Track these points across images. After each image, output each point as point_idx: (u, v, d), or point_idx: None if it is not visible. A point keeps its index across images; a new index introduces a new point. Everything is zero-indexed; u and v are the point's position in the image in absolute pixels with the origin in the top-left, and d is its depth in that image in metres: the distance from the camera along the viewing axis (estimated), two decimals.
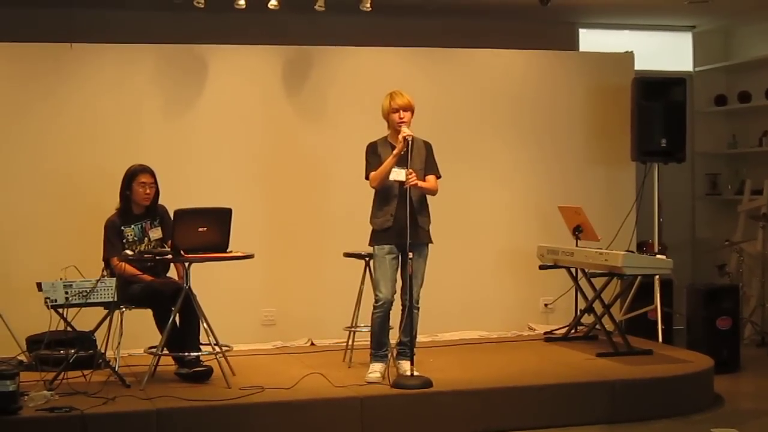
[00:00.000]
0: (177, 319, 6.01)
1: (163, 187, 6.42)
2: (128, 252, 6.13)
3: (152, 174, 6.35)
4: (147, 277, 6.22)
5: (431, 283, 6.17)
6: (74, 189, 7.20)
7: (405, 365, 5.95)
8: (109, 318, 5.99)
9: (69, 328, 5.79)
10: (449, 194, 6.86)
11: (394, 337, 6.20)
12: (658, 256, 7.48)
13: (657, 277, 7.46)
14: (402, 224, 5.84)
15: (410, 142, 5.87)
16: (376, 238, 6.05)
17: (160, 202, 6.43)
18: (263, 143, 7.67)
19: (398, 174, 5.91)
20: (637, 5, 8.52)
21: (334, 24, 8.02)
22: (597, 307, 7.32)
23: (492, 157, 8.16)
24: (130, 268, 6.18)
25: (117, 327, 6.01)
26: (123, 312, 6.07)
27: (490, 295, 8.05)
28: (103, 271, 5.99)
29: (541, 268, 7.61)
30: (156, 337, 6.04)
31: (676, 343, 7.69)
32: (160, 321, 6.05)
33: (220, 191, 7.20)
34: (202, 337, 6.10)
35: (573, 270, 7.54)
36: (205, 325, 6.04)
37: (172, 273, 6.51)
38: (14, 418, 5.11)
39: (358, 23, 7.89)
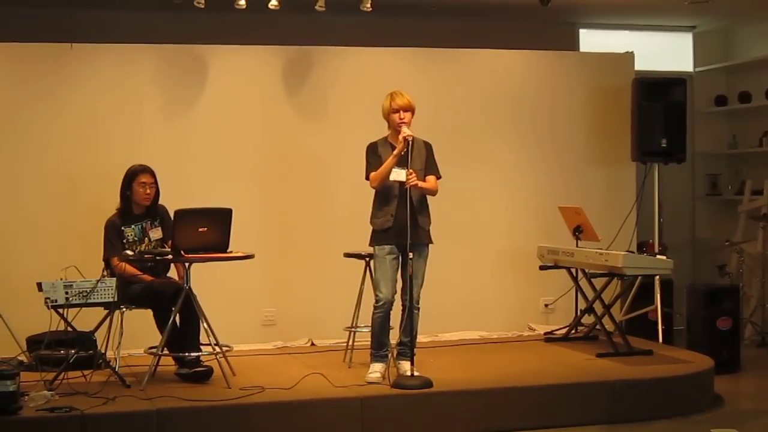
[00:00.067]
0: (177, 319, 6.01)
1: (164, 187, 6.42)
2: (128, 252, 6.13)
3: (152, 174, 6.35)
4: (147, 278, 6.22)
5: (431, 284, 6.17)
6: (74, 189, 7.20)
7: (405, 365, 5.95)
8: (109, 318, 6.00)
9: (69, 329, 5.79)
10: (449, 194, 6.86)
11: (394, 337, 6.20)
12: (659, 256, 7.49)
13: (657, 277, 7.46)
14: (402, 224, 5.84)
15: (410, 143, 5.87)
16: (376, 238, 6.05)
17: (161, 202, 6.43)
18: (263, 143, 7.67)
19: (398, 174, 5.91)
20: (638, 6, 8.52)
21: (334, 24, 8.02)
22: (597, 307, 7.32)
23: (492, 158, 8.16)
24: (130, 268, 6.18)
25: (117, 327, 6.01)
26: (123, 312, 6.07)
27: (491, 296, 8.05)
28: (103, 271, 5.99)
29: (542, 268, 7.61)
30: (156, 338, 6.04)
31: (676, 344, 7.69)
32: (161, 321, 6.05)
33: (221, 191, 7.20)
34: (203, 338, 6.10)
35: (573, 270, 7.54)
36: (205, 325, 6.04)
37: (173, 273, 6.51)
38: (14, 418, 5.11)
39: (358, 23, 7.89)
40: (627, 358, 6.74)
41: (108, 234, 6.28)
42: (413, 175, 5.89)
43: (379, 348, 6.07)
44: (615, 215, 8.06)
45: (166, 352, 6.01)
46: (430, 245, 6.10)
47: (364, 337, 6.39)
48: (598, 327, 7.31)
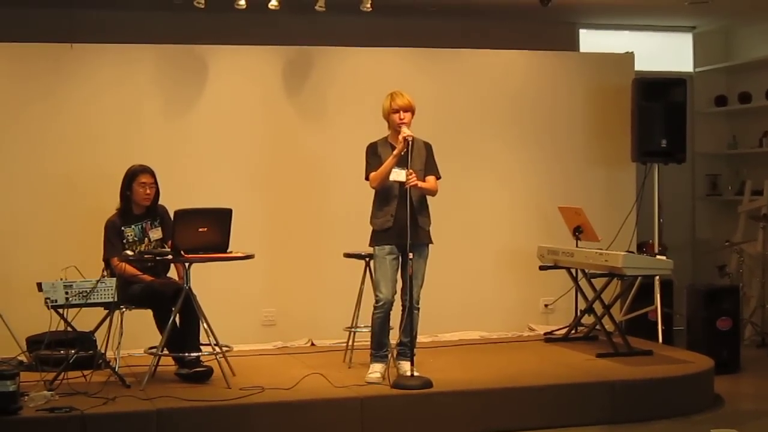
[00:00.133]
0: (177, 319, 6.01)
1: (164, 188, 6.42)
2: (128, 252, 6.13)
3: (152, 174, 6.35)
4: (147, 278, 6.22)
5: (431, 284, 6.17)
6: (74, 189, 7.20)
7: (405, 366, 5.95)
8: (109, 318, 5.99)
9: (69, 329, 5.79)
10: (449, 195, 6.86)
11: (394, 337, 6.20)
12: (659, 256, 7.49)
13: (657, 277, 7.46)
14: (402, 225, 5.83)
15: (410, 143, 5.87)
16: (376, 238, 6.05)
17: (161, 202, 6.43)
18: (263, 143, 7.66)
19: (398, 174, 5.91)
20: (638, 6, 8.52)
21: (334, 24, 8.02)
22: (597, 307, 7.32)
23: (492, 158, 8.15)
24: (130, 269, 6.18)
25: (117, 327, 6.00)
26: (123, 312, 6.07)
27: (491, 296, 8.05)
28: (103, 271, 5.99)
29: (542, 268, 7.61)
30: (156, 338, 6.04)
31: (676, 344, 7.69)
32: (161, 321, 6.05)
33: (221, 191, 7.20)
34: (203, 338, 6.10)
35: (573, 270, 7.53)
36: (205, 325, 6.04)
37: (173, 273, 6.51)
38: (14, 419, 5.11)
39: (358, 23, 7.89)
40: (627, 358, 6.74)
41: (108, 234, 6.27)
42: (413, 175, 5.89)
43: (379, 348, 6.07)
44: (615, 215, 8.06)
45: (166, 352, 6.00)
46: (430, 245, 6.10)
47: (364, 338, 6.39)
48: (598, 327, 7.31)
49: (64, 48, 7.19)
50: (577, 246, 7.54)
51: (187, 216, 5.93)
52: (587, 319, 7.63)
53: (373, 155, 6.05)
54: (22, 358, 6.48)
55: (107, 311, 5.97)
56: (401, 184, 5.92)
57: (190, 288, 5.98)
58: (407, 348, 5.97)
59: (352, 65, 7.87)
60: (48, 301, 5.64)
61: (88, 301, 5.72)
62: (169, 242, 6.16)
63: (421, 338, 6.46)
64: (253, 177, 7.61)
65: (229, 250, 6.05)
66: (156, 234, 6.36)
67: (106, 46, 7.36)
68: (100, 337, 6.12)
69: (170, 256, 5.99)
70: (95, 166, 7.19)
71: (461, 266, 7.93)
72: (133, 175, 6.32)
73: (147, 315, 6.13)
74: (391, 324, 6.12)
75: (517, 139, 8.21)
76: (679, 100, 7.97)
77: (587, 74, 8.40)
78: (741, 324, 7.97)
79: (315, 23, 7.88)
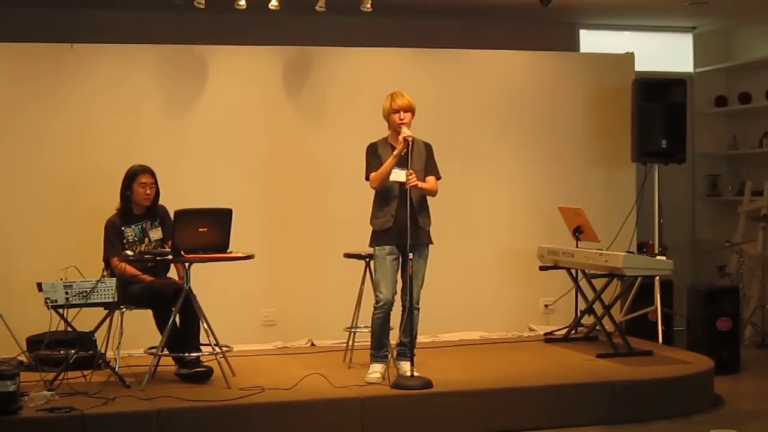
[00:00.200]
0: (177, 319, 6.01)
1: (164, 188, 6.42)
2: (128, 252, 6.13)
3: (153, 174, 6.35)
4: (147, 278, 6.22)
5: (431, 284, 6.17)
6: (74, 189, 7.20)
7: (405, 366, 5.95)
8: (109, 318, 5.99)
9: (69, 329, 5.79)
10: (450, 195, 6.86)
11: (394, 337, 6.20)
12: (659, 257, 7.49)
13: (657, 278, 7.45)
14: (402, 225, 5.83)
15: (410, 143, 5.87)
16: (376, 238, 6.05)
17: (161, 202, 6.42)
18: (263, 144, 7.66)
19: (398, 175, 5.90)
20: (638, 6, 8.52)
21: (334, 24, 8.02)
22: (597, 308, 7.32)
23: (492, 158, 8.15)
24: (130, 269, 6.18)
25: (117, 327, 6.00)
26: (123, 312, 6.07)
27: (491, 296, 8.05)
28: (103, 271, 5.99)
29: (542, 268, 7.61)
30: (156, 338, 6.04)
31: (676, 344, 7.69)
32: (161, 321, 6.05)
33: (221, 192, 7.20)
34: (203, 338, 6.10)
35: (573, 271, 7.53)
36: (205, 325, 6.04)
37: (173, 273, 6.51)
38: (14, 419, 5.11)
39: (358, 24, 7.88)
40: (627, 358, 6.74)
41: (108, 234, 6.27)
42: (413, 175, 5.89)
43: (379, 348, 6.07)
44: (615, 216, 8.06)
45: (166, 352, 6.00)
46: (430, 246, 6.10)
47: (364, 338, 6.39)
48: (598, 327, 7.31)
49: (64, 48, 7.19)
50: (577, 246, 7.54)
51: (187, 216, 5.93)
52: (587, 320, 7.63)
53: (373, 155, 6.05)
54: (22, 358, 6.48)
55: (107, 311, 5.97)
56: (401, 184, 5.92)
57: (190, 288, 5.98)
58: (407, 348, 5.97)
59: (352, 65, 7.87)
60: (48, 301, 5.64)
61: (88, 301, 5.72)
62: (169, 242, 6.16)
63: (421, 338, 6.46)
64: (253, 177, 7.61)
65: (229, 251, 6.05)
66: (156, 234, 6.36)
67: (106, 46, 7.36)
68: (100, 337, 6.12)
69: (170, 257, 5.99)
70: (95, 166, 7.19)
71: (461, 266, 7.93)
72: (133, 175, 6.32)
73: (147, 315, 6.13)
74: (391, 324, 6.11)
75: (517, 139, 8.21)
76: (679, 100, 7.97)
77: (587, 74, 8.40)
78: (741, 324, 7.97)
79: (315, 23, 7.88)
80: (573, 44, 9.16)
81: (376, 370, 6.01)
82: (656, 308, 7.48)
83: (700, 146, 9.56)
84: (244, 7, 7.11)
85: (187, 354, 6.01)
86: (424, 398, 5.73)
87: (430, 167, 6.09)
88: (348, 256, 6.65)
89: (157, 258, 6.06)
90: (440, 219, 6.26)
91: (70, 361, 5.82)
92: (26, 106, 7.19)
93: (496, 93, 8.16)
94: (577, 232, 7.62)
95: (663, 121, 7.87)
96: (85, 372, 5.85)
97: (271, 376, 6.11)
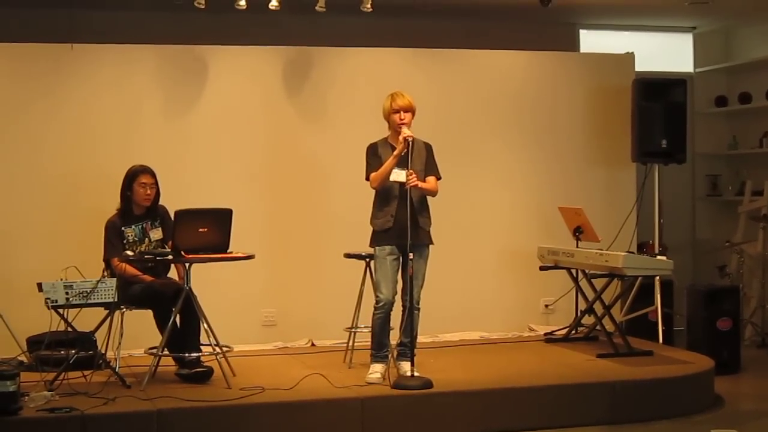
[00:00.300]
0: (177, 319, 6.01)
1: (164, 188, 6.42)
2: (129, 252, 6.13)
3: (153, 175, 6.35)
4: (147, 278, 6.22)
5: (432, 284, 6.17)
6: (75, 189, 7.20)
7: (405, 366, 5.95)
8: (109, 318, 5.99)
9: (69, 329, 5.79)
10: (450, 195, 6.86)
11: (394, 337, 6.20)
12: (659, 257, 7.49)
13: (657, 278, 7.45)
14: (402, 225, 5.83)
15: (411, 143, 5.87)
16: (376, 238, 6.05)
17: (161, 202, 6.42)
18: (264, 144, 7.66)
19: (399, 175, 5.91)
20: (638, 6, 8.52)
21: (334, 24, 8.02)
22: (597, 308, 7.32)
23: (493, 158, 8.15)
24: (130, 269, 6.18)
25: (117, 327, 6.01)
26: (123, 312, 6.08)
27: (491, 296, 8.05)
28: (103, 271, 5.99)
29: (542, 269, 7.61)
30: (156, 338, 6.04)
31: (676, 344, 7.69)
32: (161, 321, 6.05)
33: (221, 192, 7.20)
34: (203, 338, 6.09)
35: (573, 271, 7.53)
36: (205, 325, 6.04)
37: (173, 274, 6.51)
38: (14, 419, 5.11)
39: (358, 24, 7.88)
40: (627, 358, 6.74)
41: (108, 234, 6.28)
42: (413, 175, 5.89)
43: (379, 348, 6.07)
44: (615, 216, 8.06)
45: (166, 352, 6.00)
46: (430, 246, 6.10)
47: (364, 338, 6.39)
48: (598, 327, 7.31)
49: (65, 48, 7.19)
50: (577, 246, 7.54)
51: (187, 216, 5.93)
52: (587, 320, 7.63)
53: (374, 156, 6.05)
54: (23, 358, 6.48)
55: (107, 311, 5.97)
56: (401, 184, 5.92)
57: (190, 288, 5.98)
58: (407, 348, 5.98)
59: (352, 65, 7.87)
60: (48, 301, 5.64)
61: (89, 301, 5.72)
62: (170, 242, 6.16)
63: (421, 338, 6.46)
64: (253, 177, 7.61)
65: (229, 251, 6.05)
66: (156, 234, 6.37)
67: (106, 47, 7.36)
68: (100, 337, 6.12)
69: (170, 257, 5.99)
70: (95, 166, 7.19)
71: (461, 267, 7.93)
72: (133, 176, 6.32)
73: (147, 315, 6.13)
74: (391, 324, 6.12)
75: (517, 139, 8.21)
76: (679, 100, 7.96)
77: (587, 74, 8.39)
78: (741, 324, 7.97)
79: (315, 23, 7.87)
80: (573, 44, 9.16)
81: (376, 370, 6.01)
82: (656, 308, 7.48)
83: (700, 146, 9.56)
84: (244, 7, 7.11)
85: (187, 354, 6.01)
86: (424, 398, 5.73)
87: (430, 167, 6.09)
88: (348, 256, 6.65)
89: (158, 258, 6.06)
90: (440, 219, 6.26)
91: (71, 362, 5.82)
92: (26, 106, 7.19)
93: (496, 93, 8.16)
94: (578, 232, 7.62)
95: (663, 121, 7.87)
96: (86, 372, 5.85)
97: (272, 377, 6.11)
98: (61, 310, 5.67)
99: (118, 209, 6.34)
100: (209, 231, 5.96)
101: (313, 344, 7.56)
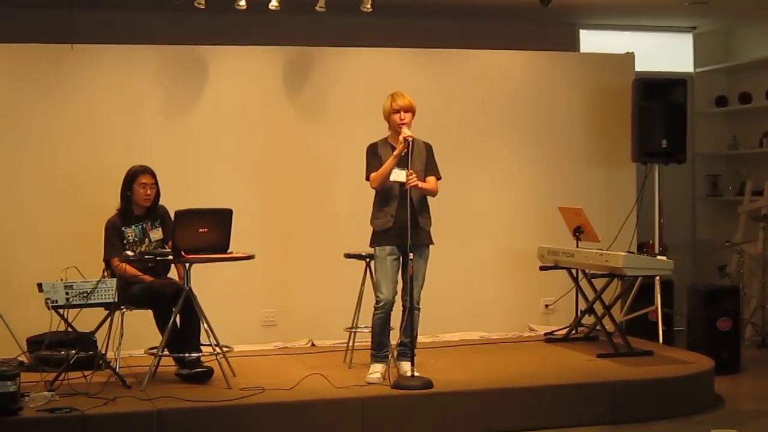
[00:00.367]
0: (177, 319, 6.01)
1: (164, 188, 6.42)
2: (129, 253, 6.13)
3: (153, 175, 6.35)
4: (147, 278, 6.22)
5: (432, 284, 6.17)
6: (75, 190, 7.20)
7: (406, 366, 5.95)
8: (109, 319, 6.00)
9: (69, 329, 5.78)
10: (450, 195, 6.86)
11: (394, 337, 6.20)
12: (659, 257, 7.48)
13: (657, 278, 7.45)
14: (403, 225, 5.83)
15: (411, 143, 5.88)
16: (376, 238, 6.05)
17: (161, 202, 6.42)
18: (264, 144, 7.66)
19: (399, 175, 5.91)
20: (638, 6, 8.52)
21: (334, 24, 8.02)
22: (597, 308, 7.32)
23: (493, 158, 8.15)
24: (130, 269, 6.18)
25: (117, 328, 6.01)
26: (123, 313, 6.08)
27: (491, 296, 8.05)
28: (103, 271, 5.99)
29: (542, 269, 7.61)
30: (156, 338, 6.04)
31: (676, 344, 7.69)
32: (161, 322, 6.05)
33: (221, 192, 7.20)
34: (203, 338, 6.09)
35: (573, 271, 7.53)
36: (205, 325, 6.04)
37: (173, 274, 6.51)
38: (15, 419, 5.11)
39: (358, 24, 7.88)
40: (627, 358, 6.74)
41: (108, 234, 6.28)
42: (413, 175, 5.89)
43: (379, 349, 6.07)
44: (615, 216, 8.06)
45: (166, 352, 6.00)
46: (430, 246, 6.10)
47: (364, 338, 6.39)
48: (598, 327, 7.31)
49: (65, 48, 7.19)
50: (577, 246, 7.54)
51: (187, 216, 5.93)
52: (588, 320, 7.63)
53: (374, 156, 6.05)
54: (23, 358, 6.47)
55: (108, 312, 5.97)
56: (401, 184, 5.92)
57: (190, 288, 5.98)
58: (408, 348, 5.98)
59: (352, 65, 7.87)
60: (48, 301, 5.64)
61: (89, 301, 5.71)
62: (170, 243, 6.16)
63: (421, 338, 6.46)
64: (253, 177, 7.61)
65: (229, 251, 6.05)
66: (156, 234, 6.37)
67: (106, 47, 7.36)
68: (100, 337, 6.12)
69: (171, 257, 5.99)
70: (95, 166, 7.19)
71: (462, 267, 7.93)
72: (133, 176, 6.32)
73: (147, 315, 6.13)
74: (391, 324, 6.12)
75: (517, 139, 8.21)
76: (679, 100, 7.96)
77: (587, 74, 8.40)
78: (741, 324, 7.97)
79: (315, 23, 7.87)
80: (573, 44, 9.16)
81: (376, 370, 6.01)
82: (656, 308, 7.48)
83: (700, 146, 9.56)
84: (244, 7, 7.11)
85: (187, 354, 6.01)
86: (424, 398, 5.73)
87: (430, 167, 6.09)
88: (348, 256, 6.65)
89: (158, 258, 6.06)
90: (440, 219, 6.26)
91: (71, 362, 5.82)
92: (26, 106, 7.19)
93: (496, 93, 8.16)
94: (578, 232, 7.62)
95: (663, 121, 7.87)
96: (86, 372, 5.86)
97: (272, 377, 6.11)
98: (61, 311, 5.67)
99: (118, 209, 6.34)
100: (209, 231, 5.96)
101: (313, 344, 7.56)
